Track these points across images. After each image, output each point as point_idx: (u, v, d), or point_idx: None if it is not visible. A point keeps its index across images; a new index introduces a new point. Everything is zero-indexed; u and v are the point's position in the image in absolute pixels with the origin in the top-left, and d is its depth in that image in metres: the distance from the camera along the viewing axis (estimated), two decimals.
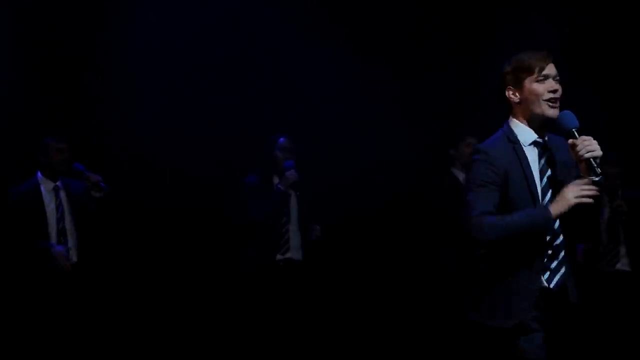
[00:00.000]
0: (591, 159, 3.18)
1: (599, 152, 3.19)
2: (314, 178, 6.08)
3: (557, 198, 3.20)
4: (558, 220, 3.27)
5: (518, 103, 3.34)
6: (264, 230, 5.80)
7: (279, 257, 5.84)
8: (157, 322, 6.46)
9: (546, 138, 3.35)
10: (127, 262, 6.43)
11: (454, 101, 6.80)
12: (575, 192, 3.16)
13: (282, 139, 5.95)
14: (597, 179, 3.18)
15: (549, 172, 3.32)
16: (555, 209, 3.18)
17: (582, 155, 3.18)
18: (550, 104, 3.27)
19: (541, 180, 3.32)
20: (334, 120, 6.71)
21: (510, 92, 3.34)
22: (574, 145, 3.21)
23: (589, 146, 3.18)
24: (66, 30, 6.44)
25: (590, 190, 3.17)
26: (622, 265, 5.98)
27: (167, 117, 6.60)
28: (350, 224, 6.70)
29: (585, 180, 3.17)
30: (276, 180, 5.91)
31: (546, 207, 3.22)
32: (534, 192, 3.28)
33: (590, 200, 3.17)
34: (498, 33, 6.68)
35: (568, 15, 6.46)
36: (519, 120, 3.36)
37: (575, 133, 3.22)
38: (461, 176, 6.32)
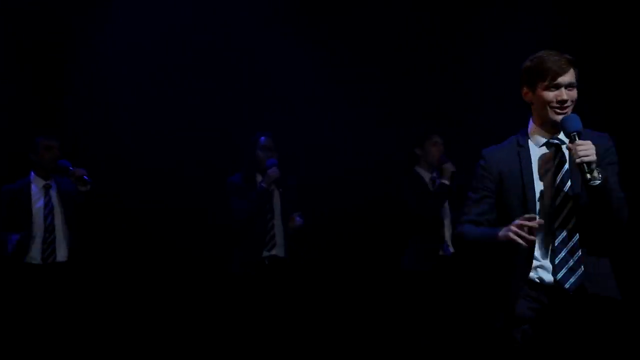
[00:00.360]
0: (584, 164, 3.13)
1: (592, 158, 3.13)
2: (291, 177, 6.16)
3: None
4: (574, 218, 3.26)
5: (531, 103, 3.37)
6: (250, 228, 5.89)
7: (265, 253, 5.93)
8: (144, 322, 6.50)
9: (561, 136, 3.33)
10: (113, 262, 6.48)
11: (433, 101, 6.79)
12: (512, 230, 3.11)
13: (262, 138, 6.05)
14: (594, 184, 3.13)
15: (563, 171, 3.30)
16: (500, 236, 3.17)
17: (575, 160, 3.16)
18: (558, 110, 3.28)
19: (554, 179, 3.30)
20: (312, 120, 6.76)
21: (524, 92, 3.38)
22: (570, 150, 3.21)
23: (582, 151, 3.13)
24: (43, 31, 6.48)
25: (527, 232, 3.10)
26: None
27: (145, 117, 6.63)
28: (328, 224, 6.75)
29: (527, 218, 3.13)
30: (259, 178, 6.00)
31: (498, 230, 3.19)
32: (529, 198, 3.28)
33: (524, 244, 3.11)
34: (471, 32, 6.73)
35: (547, 16, 6.49)
36: (534, 121, 3.39)
37: (576, 137, 3.20)
38: (427, 175, 6.24)
